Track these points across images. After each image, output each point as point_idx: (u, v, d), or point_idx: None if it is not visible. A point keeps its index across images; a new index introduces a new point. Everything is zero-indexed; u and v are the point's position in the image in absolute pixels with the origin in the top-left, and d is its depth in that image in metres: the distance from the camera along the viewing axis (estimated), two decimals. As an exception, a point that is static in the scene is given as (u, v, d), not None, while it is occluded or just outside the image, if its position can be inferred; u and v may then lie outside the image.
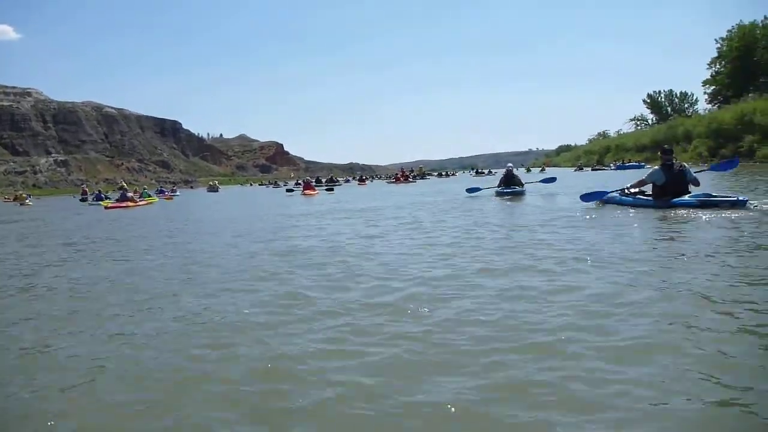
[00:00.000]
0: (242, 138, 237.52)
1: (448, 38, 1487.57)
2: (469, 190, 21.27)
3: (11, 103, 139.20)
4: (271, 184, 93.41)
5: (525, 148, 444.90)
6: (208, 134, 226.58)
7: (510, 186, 19.17)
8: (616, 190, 12.67)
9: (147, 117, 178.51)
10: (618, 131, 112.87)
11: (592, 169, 60.33)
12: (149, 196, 35.12)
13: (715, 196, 9.99)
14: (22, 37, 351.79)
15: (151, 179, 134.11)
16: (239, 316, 4.55)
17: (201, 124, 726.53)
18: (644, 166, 50.95)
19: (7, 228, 18.30)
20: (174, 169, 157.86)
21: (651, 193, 11.33)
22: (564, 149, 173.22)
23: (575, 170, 61.82)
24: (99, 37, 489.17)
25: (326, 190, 37.02)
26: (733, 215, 8.83)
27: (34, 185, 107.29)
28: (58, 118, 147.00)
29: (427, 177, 72.40)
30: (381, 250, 7.79)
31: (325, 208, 18.85)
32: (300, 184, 46.08)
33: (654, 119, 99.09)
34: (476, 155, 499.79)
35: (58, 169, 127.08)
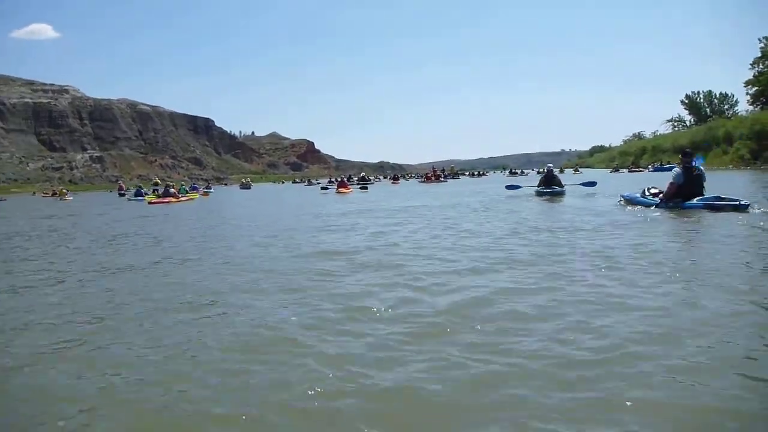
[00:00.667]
0: (273, 136, 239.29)
1: (480, 38, 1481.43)
2: (509, 187, 21.40)
3: (49, 100, 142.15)
4: (302, 182, 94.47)
5: (557, 149, 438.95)
6: (240, 132, 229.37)
7: (550, 186, 18.75)
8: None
9: (180, 114, 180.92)
10: (654, 132, 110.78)
11: (629, 171, 58.91)
12: (187, 192, 35.31)
13: (722, 200, 10.40)
14: (60, 36, 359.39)
15: (184, 176, 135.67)
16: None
17: (233, 121, 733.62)
18: (682, 168, 49.62)
19: (68, 221, 18.21)
20: (206, 166, 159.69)
21: (663, 193, 11.63)
22: (597, 150, 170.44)
23: (611, 171, 60.53)
24: (134, 34, 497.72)
25: (360, 188, 37.01)
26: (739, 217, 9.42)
27: (70, 181, 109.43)
28: (94, 115, 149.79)
29: (459, 176, 72.18)
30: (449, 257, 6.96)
31: (366, 207, 18.21)
32: (334, 182, 46.12)
33: (692, 120, 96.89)
34: (507, 155, 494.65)
35: (94, 165, 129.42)
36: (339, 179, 40.46)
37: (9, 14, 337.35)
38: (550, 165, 21.09)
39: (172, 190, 30.15)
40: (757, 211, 9.91)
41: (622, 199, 13.40)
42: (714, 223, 8.88)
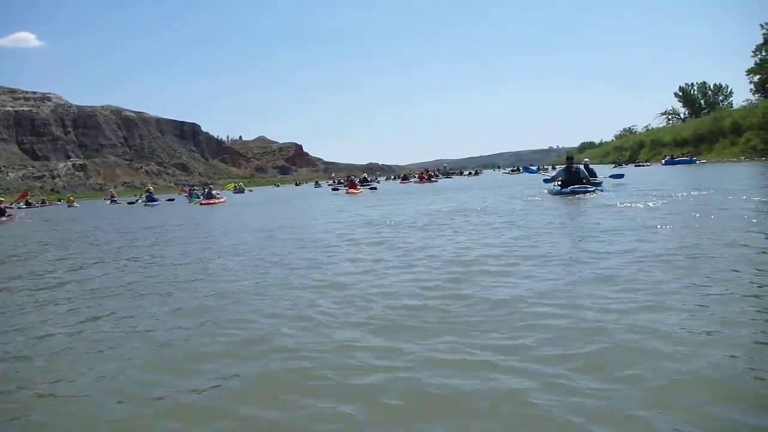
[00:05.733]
0: (261, 140, 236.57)
1: (464, 40, 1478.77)
2: (547, 181, 20.01)
3: (31, 108, 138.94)
4: (299, 184, 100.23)
5: (545, 146, 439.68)
6: (228, 136, 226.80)
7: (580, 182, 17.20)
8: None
9: (166, 120, 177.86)
10: (646, 126, 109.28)
11: (635, 165, 56.70)
12: (198, 197, 37.17)
13: (582, 187, 15.79)
14: (43, 44, 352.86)
15: (170, 182, 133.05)
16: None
17: (220, 126, 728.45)
18: (695, 161, 47.49)
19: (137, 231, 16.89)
20: (193, 172, 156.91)
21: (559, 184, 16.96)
22: (588, 146, 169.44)
23: (614, 167, 57.79)
24: (118, 41, 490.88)
25: (369, 189, 38.06)
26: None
27: (52, 190, 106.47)
28: (78, 122, 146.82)
29: (452, 176, 72.93)
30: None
31: (388, 210, 16.31)
32: (342, 182, 49.28)
33: (686, 113, 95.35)
34: (496, 153, 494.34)
35: (77, 173, 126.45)
36: (349, 180, 42.09)
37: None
38: (587, 160, 22.33)
39: (215, 192, 34.72)
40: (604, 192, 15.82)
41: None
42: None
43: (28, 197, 52.17)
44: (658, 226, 8.22)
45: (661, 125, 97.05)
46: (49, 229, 19.83)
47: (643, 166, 55.42)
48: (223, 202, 32.14)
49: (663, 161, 50.84)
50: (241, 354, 3.66)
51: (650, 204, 11.74)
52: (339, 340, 3.80)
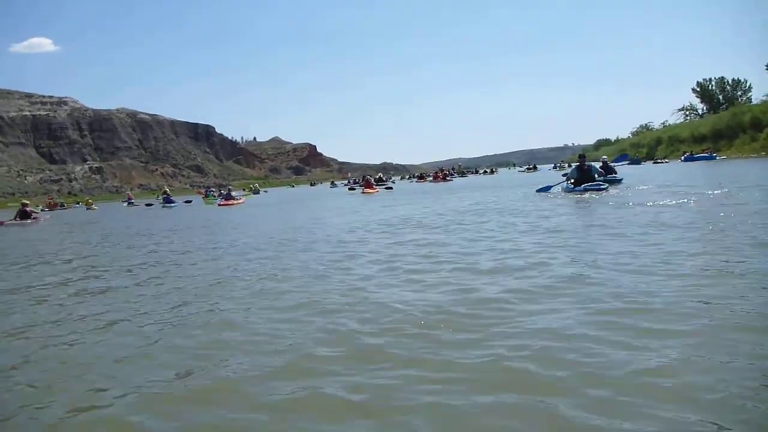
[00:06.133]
0: (275, 141, 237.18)
1: (479, 38, 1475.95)
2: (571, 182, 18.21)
3: (48, 113, 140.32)
4: (313, 184, 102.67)
5: (561, 144, 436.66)
6: (242, 138, 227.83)
7: (608, 175, 18.55)
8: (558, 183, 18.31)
9: (181, 122, 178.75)
10: (663, 123, 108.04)
11: (654, 162, 56.03)
12: (214, 198, 38.60)
13: (593, 185, 15.97)
14: (59, 49, 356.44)
15: (186, 184, 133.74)
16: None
17: (234, 127, 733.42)
18: (715, 157, 46.85)
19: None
20: (208, 174, 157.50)
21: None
22: (604, 143, 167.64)
23: (629, 164, 56.97)
24: (132, 44, 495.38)
25: (385, 188, 37.99)
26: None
27: (69, 193, 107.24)
28: (94, 125, 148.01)
29: (466, 175, 73.29)
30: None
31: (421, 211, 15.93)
32: (358, 182, 50.23)
33: (704, 108, 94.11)
34: (511, 152, 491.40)
35: (93, 176, 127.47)
36: (365, 180, 42.18)
37: (9, 28, 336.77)
38: (605, 157, 21.39)
39: (234, 193, 35.81)
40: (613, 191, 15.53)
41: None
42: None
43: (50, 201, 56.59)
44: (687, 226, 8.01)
45: (678, 121, 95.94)
46: (80, 231, 19.92)
47: (661, 162, 54.78)
48: (242, 203, 32.63)
49: (682, 158, 50.14)
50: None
51: (675, 202, 11.49)
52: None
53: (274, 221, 16.76)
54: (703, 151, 50.10)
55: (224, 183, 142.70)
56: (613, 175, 18.82)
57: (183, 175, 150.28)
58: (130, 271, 7.99)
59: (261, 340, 3.95)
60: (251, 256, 8.41)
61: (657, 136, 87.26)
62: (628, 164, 22.08)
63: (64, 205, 59.95)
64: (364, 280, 5.85)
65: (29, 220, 25.94)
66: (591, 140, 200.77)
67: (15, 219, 25.67)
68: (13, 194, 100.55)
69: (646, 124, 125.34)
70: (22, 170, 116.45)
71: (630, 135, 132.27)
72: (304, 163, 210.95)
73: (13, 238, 17.63)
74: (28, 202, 30.28)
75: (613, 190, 16.04)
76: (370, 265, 6.72)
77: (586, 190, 15.67)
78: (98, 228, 20.27)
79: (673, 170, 32.52)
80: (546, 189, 18.38)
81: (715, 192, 12.73)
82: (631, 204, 11.84)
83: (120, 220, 24.66)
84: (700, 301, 4.02)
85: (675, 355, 3.09)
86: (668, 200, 11.78)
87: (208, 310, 4.98)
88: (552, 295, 4.52)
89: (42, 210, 39.28)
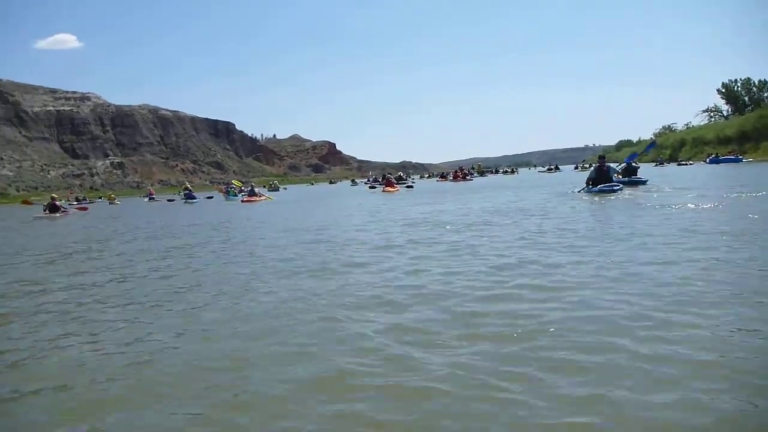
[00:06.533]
0: (295, 138, 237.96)
1: (502, 35, 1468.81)
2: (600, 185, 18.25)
3: (71, 108, 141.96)
4: (333, 182, 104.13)
5: (581, 144, 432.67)
6: (262, 135, 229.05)
7: (632, 176, 19.21)
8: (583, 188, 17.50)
9: (201, 119, 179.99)
10: (687, 124, 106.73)
11: (678, 164, 55.10)
12: (235, 195, 38.77)
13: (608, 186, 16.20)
14: (82, 45, 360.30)
15: (205, 180, 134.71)
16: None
17: (254, 124, 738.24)
18: (741, 159, 45.95)
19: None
20: (227, 170, 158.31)
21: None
22: (625, 144, 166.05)
23: (656, 165, 55.70)
24: (154, 40, 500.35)
25: (406, 187, 37.79)
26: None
27: (91, 187, 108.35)
28: (116, 121, 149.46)
29: (486, 174, 72.44)
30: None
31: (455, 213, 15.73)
32: (378, 180, 50.12)
33: (729, 110, 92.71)
34: (530, 152, 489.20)
35: (114, 171, 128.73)
36: (386, 178, 42.52)
37: (34, 25, 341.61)
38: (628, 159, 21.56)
39: (257, 189, 36.75)
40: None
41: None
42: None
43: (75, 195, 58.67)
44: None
45: (702, 123, 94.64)
46: (106, 225, 20.16)
47: (686, 164, 53.91)
48: (264, 199, 33.22)
49: (707, 160, 49.29)
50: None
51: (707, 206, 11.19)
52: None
53: (318, 217, 16.57)
54: (728, 154, 49.15)
55: (244, 179, 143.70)
56: (637, 177, 19.27)
57: (203, 171, 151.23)
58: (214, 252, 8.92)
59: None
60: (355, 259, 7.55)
61: (681, 137, 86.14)
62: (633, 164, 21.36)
63: (86, 199, 60.65)
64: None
65: (58, 214, 26.71)
66: (612, 141, 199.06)
67: (45, 212, 26.59)
68: (36, 188, 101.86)
69: (669, 126, 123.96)
70: (45, 164, 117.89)
71: (652, 136, 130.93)
72: (324, 161, 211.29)
73: (72, 228, 18.98)
74: (56, 196, 31.18)
75: (629, 191, 16.47)
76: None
77: (601, 191, 16.15)
78: (141, 221, 20.35)
79: (698, 172, 32.01)
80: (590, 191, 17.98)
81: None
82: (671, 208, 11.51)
83: (144, 215, 24.96)
84: None
85: None
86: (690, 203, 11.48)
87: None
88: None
89: (69, 204, 40.41)
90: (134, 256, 9.24)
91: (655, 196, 14.65)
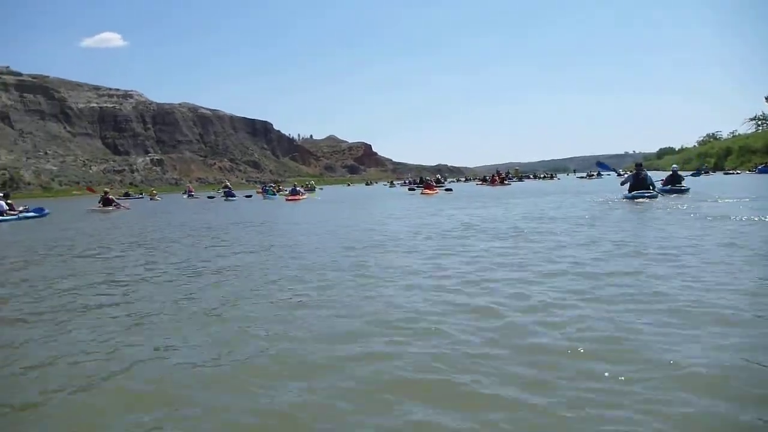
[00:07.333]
0: (331, 139, 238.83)
1: (544, 40, 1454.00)
2: (623, 183, 19.26)
3: (114, 105, 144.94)
4: (369, 184, 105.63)
5: (621, 151, 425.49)
6: (299, 135, 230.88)
7: (675, 185, 19.83)
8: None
9: (239, 118, 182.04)
10: (733, 132, 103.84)
11: (724, 173, 53.43)
12: (273, 195, 38.90)
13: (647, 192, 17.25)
14: (127, 44, 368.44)
15: (242, 179, 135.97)
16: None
17: (291, 125, 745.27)
18: (794, 169, 44.42)
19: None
20: (264, 170, 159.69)
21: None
22: (667, 152, 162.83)
23: (692, 174, 53.28)
24: (195, 40, 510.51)
25: (445, 190, 37.93)
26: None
27: (131, 183, 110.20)
28: (157, 119, 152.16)
29: (523, 179, 71.83)
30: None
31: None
32: (416, 183, 50.24)
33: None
34: (568, 158, 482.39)
35: (154, 168, 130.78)
36: (425, 181, 42.68)
37: (81, 24, 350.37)
38: (675, 166, 22.26)
39: (299, 188, 37.90)
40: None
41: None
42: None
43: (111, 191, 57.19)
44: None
45: (749, 131, 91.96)
46: (173, 218, 20.44)
47: (732, 173, 52.26)
48: (306, 197, 34.05)
49: (756, 169, 47.62)
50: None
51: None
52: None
53: (362, 218, 16.51)
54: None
55: (280, 179, 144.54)
56: (679, 185, 19.80)
57: (240, 170, 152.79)
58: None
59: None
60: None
61: (726, 146, 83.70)
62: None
63: (129, 195, 61.59)
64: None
65: (111, 207, 27.30)
66: (654, 148, 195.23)
67: (99, 205, 27.09)
68: (78, 183, 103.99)
69: (713, 134, 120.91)
70: (87, 160, 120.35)
71: (696, 144, 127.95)
72: (359, 162, 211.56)
73: (127, 220, 19.85)
74: (108, 190, 31.96)
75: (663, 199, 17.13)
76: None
77: (635, 197, 17.22)
78: (197, 217, 20.35)
79: (747, 182, 30.87)
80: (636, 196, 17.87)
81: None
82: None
83: (189, 211, 25.22)
84: None
85: None
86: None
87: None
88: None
89: (119, 198, 41.20)
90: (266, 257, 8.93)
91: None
